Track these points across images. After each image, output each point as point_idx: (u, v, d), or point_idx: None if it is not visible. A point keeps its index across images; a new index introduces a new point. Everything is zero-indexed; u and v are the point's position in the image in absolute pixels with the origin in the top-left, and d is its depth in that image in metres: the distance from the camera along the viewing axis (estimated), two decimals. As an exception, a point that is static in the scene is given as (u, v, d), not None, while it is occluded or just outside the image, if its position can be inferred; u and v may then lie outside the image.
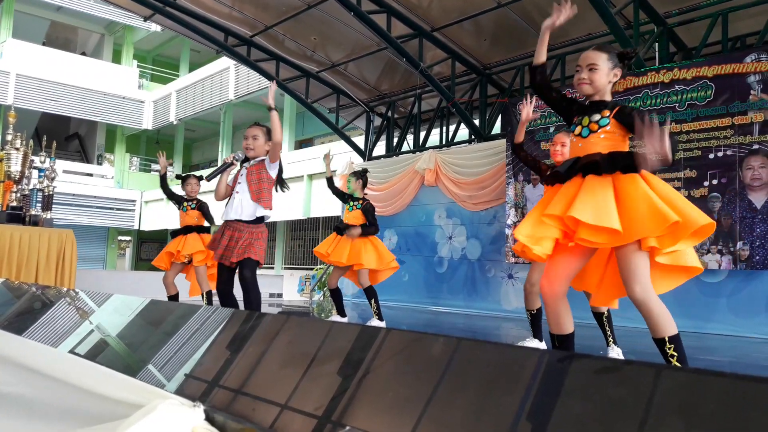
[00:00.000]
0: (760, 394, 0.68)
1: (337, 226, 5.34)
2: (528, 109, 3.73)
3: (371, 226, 5.20)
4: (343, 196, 5.46)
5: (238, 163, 3.77)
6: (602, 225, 2.24)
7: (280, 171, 3.78)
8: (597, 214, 2.26)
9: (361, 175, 5.42)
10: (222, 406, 1.30)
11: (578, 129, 2.50)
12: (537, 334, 4.08)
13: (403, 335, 1.18)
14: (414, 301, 8.48)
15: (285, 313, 1.55)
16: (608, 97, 2.53)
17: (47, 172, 5.82)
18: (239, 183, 3.69)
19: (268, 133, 3.71)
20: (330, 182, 5.53)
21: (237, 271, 3.64)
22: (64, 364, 1.24)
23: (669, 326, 2.30)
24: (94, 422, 0.92)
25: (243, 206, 3.61)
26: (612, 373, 0.82)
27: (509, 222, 7.31)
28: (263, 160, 3.69)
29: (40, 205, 5.80)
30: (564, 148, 3.78)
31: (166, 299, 5.45)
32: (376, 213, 5.34)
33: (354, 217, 5.25)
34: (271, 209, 3.72)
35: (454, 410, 0.94)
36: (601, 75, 2.48)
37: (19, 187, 5.85)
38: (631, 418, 0.74)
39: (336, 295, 5.40)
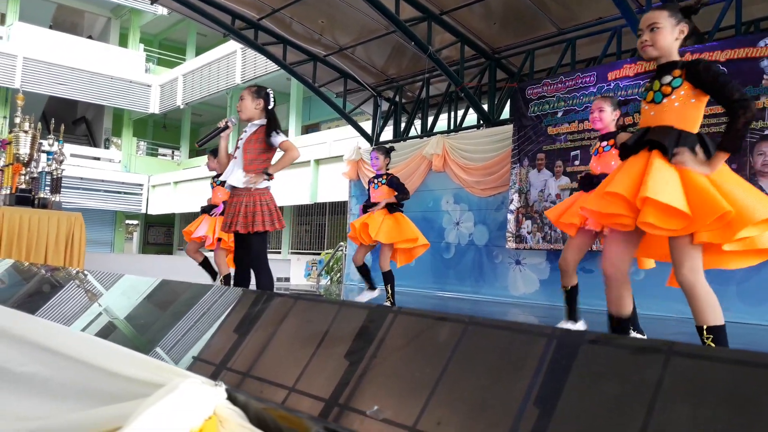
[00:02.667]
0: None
1: (366, 206, 5.33)
2: None
3: (402, 193, 5.20)
4: (368, 196, 5.45)
5: (233, 127, 3.74)
6: (677, 207, 2.13)
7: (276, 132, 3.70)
8: (670, 194, 2.15)
9: (388, 152, 5.40)
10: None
11: (650, 95, 2.36)
12: (572, 315, 3.91)
13: (412, 317, 1.17)
14: (421, 286, 8.48)
15: (294, 297, 1.55)
16: (676, 57, 2.38)
17: (56, 155, 5.83)
18: (237, 148, 3.67)
19: (256, 92, 3.68)
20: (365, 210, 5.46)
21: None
22: (79, 342, 1.24)
23: (713, 315, 2.22)
24: (113, 401, 0.92)
25: (234, 172, 3.60)
26: (625, 355, 0.81)
27: (512, 207, 7.29)
28: (262, 130, 3.63)
29: (48, 188, 5.82)
30: (602, 113, 3.65)
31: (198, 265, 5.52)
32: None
33: (381, 193, 5.25)
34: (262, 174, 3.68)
35: (463, 391, 0.93)
36: (665, 34, 2.33)
37: (28, 169, 5.86)
38: (640, 400, 0.73)
39: (364, 270, 5.41)
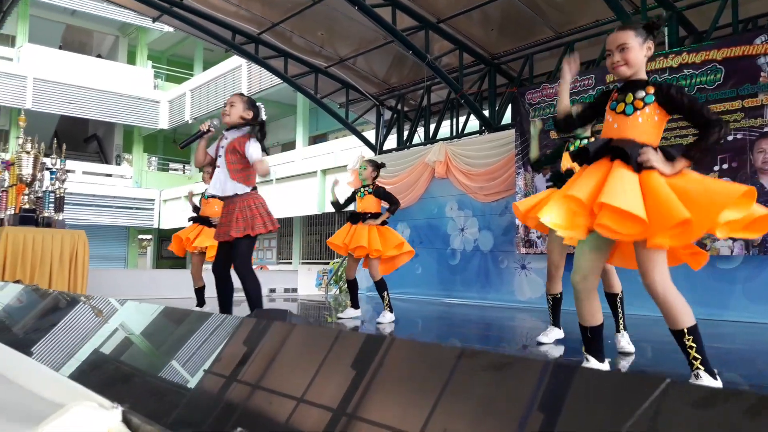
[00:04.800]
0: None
1: (352, 214, 5.32)
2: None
3: (393, 204, 5.21)
4: (351, 198, 5.46)
5: (214, 130, 3.70)
6: (632, 212, 2.16)
7: (263, 144, 3.65)
8: (626, 200, 2.20)
9: (378, 167, 5.40)
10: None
11: (620, 106, 2.42)
12: (557, 322, 4.04)
13: (407, 344, 1.19)
14: (427, 293, 8.48)
15: (291, 325, 1.57)
16: (644, 75, 2.46)
17: (58, 174, 5.91)
18: (219, 156, 3.62)
19: (248, 102, 3.66)
20: (336, 205, 5.51)
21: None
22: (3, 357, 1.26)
23: (687, 317, 2.27)
24: (23, 420, 0.94)
25: (221, 182, 3.56)
26: (620, 383, 0.80)
27: (518, 213, 7.27)
28: (246, 138, 3.57)
29: (52, 206, 5.90)
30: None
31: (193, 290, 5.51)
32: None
33: (367, 203, 5.24)
34: (252, 184, 3.63)
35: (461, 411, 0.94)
36: (635, 52, 2.40)
37: (32, 189, 5.95)
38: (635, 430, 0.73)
39: (352, 286, 5.41)
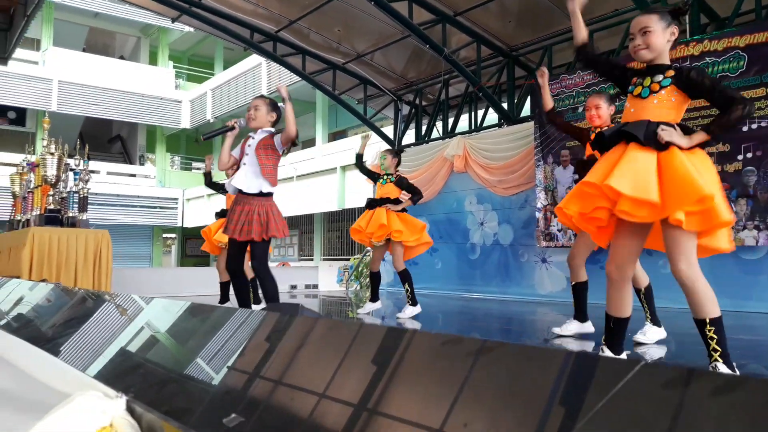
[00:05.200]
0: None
1: (370, 201, 5.31)
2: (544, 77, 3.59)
3: (416, 194, 5.18)
4: (372, 174, 5.45)
5: (238, 128, 3.78)
6: (639, 197, 2.17)
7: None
8: (636, 185, 2.19)
9: (397, 154, 5.39)
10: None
11: (637, 89, 2.42)
12: (579, 315, 3.93)
13: (427, 337, 1.19)
14: (448, 288, 8.47)
15: (316, 317, 1.60)
16: (667, 60, 2.44)
17: (82, 174, 6.03)
18: (246, 154, 3.68)
19: (271, 104, 3.74)
20: (359, 159, 5.46)
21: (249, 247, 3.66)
22: (8, 345, 1.30)
23: (712, 308, 2.25)
24: (32, 410, 0.97)
25: (248, 178, 3.62)
26: (644, 375, 0.79)
27: (539, 205, 7.23)
28: (272, 136, 3.68)
29: (76, 206, 6.02)
30: (599, 110, 3.69)
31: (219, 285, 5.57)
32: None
33: (387, 190, 5.20)
34: (275, 185, 3.71)
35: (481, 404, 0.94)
36: (657, 36, 2.38)
37: (56, 190, 6.08)
38: (661, 424, 0.72)
39: (375, 278, 5.38)
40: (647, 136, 2.26)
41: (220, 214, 5.69)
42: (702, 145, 2.30)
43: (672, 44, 2.43)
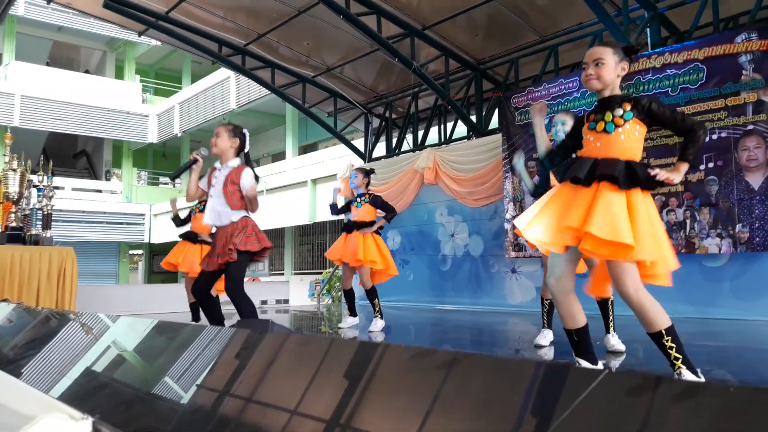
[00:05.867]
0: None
1: (347, 224, 5.32)
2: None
3: (390, 212, 5.22)
4: (347, 206, 5.46)
5: (201, 160, 3.74)
6: (616, 240, 2.25)
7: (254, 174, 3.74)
8: (612, 228, 2.27)
9: (368, 173, 5.42)
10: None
11: (600, 125, 2.48)
12: (549, 324, 4.09)
13: (400, 350, 1.19)
14: (419, 300, 8.48)
15: (287, 332, 1.59)
16: (618, 92, 2.53)
17: (45, 191, 5.89)
18: (213, 186, 3.65)
19: (233, 131, 3.69)
20: (333, 209, 5.52)
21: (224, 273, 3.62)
22: None
23: (663, 319, 2.32)
24: None
25: (219, 213, 3.60)
26: (615, 383, 0.80)
27: (508, 216, 7.30)
28: (238, 173, 3.62)
29: (40, 223, 5.88)
30: (565, 126, 3.67)
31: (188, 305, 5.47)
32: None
33: (364, 212, 5.23)
34: (252, 212, 3.71)
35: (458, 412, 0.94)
36: (608, 69, 2.48)
37: (19, 207, 5.93)
38: (626, 429, 0.73)
39: (349, 295, 5.40)
40: (624, 180, 2.36)
41: (185, 236, 5.56)
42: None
43: (621, 78, 2.54)
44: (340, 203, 5.62)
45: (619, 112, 2.44)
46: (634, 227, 2.30)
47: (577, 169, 2.47)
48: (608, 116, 2.46)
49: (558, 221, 2.44)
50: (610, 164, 2.39)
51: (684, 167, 2.42)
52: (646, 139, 2.52)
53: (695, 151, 2.43)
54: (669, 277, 2.43)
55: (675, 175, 2.38)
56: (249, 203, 3.61)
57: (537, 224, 2.50)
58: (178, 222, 5.76)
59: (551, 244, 2.48)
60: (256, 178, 3.66)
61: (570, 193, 2.49)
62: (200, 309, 5.35)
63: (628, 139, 2.43)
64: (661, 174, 2.35)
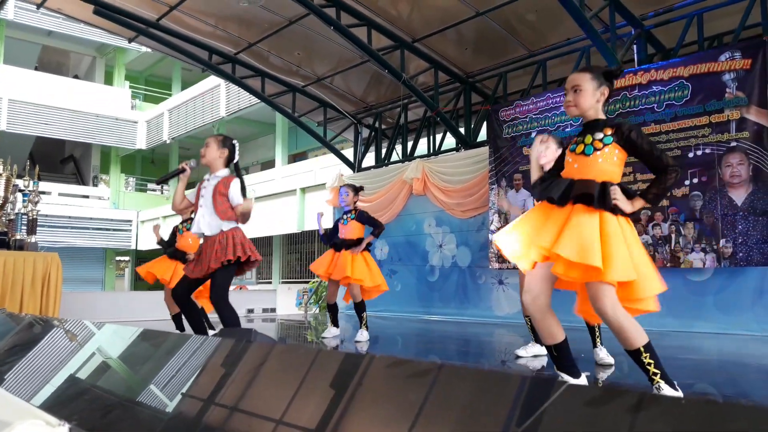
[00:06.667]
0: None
1: (335, 243, 5.32)
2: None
3: (377, 227, 5.23)
4: (335, 228, 5.45)
5: (189, 170, 3.77)
6: (584, 262, 2.27)
7: (242, 184, 3.75)
8: (581, 251, 2.29)
9: (357, 191, 5.43)
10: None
11: (580, 147, 2.50)
12: (538, 339, 4.01)
13: (386, 361, 1.20)
14: (407, 310, 8.49)
15: (272, 342, 1.59)
16: (602, 116, 2.54)
17: (31, 196, 5.85)
18: (202, 196, 3.67)
19: (223, 141, 3.72)
20: (324, 238, 5.52)
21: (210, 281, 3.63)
22: None
23: (640, 337, 2.34)
24: None
25: (208, 223, 3.61)
26: (593, 396, 0.82)
27: (492, 228, 7.35)
28: (227, 184, 3.63)
29: (25, 228, 5.83)
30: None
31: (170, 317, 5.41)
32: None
33: (351, 229, 5.24)
34: (235, 220, 3.72)
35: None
36: (586, 95, 2.49)
37: (3, 212, 5.88)
38: None
39: (333, 309, 5.42)
40: (598, 199, 2.38)
41: (172, 255, 5.48)
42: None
43: (603, 103, 2.54)
44: (328, 223, 5.62)
45: (599, 135, 2.46)
46: (604, 248, 2.30)
47: (552, 189, 2.50)
48: (588, 139, 2.48)
49: (530, 238, 2.47)
50: (585, 185, 2.41)
51: (639, 204, 2.41)
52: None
53: (659, 193, 2.43)
54: (656, 302, 2.43)
55: (626, 205, 2.38)
56: (242, 217, 3.62)
57: (510, 237, 2.54)
58: (165, 245, 5.69)
59: (519, 259, 2.51)
60: (244, 189, 3.66)
61: (546, 211, 2.53)
62: (182, 318, 5.33)
63: (606, 162, 2.44)
64: (616, 196, 2.37)
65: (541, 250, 2.41)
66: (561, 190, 2.47)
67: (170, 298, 5.26)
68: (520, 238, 2.51)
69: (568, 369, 2.53)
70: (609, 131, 2.47)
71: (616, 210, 2.39)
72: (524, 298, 2.56)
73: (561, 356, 2.53)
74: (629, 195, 2.43)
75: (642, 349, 2.33)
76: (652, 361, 2.32)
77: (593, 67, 2.59)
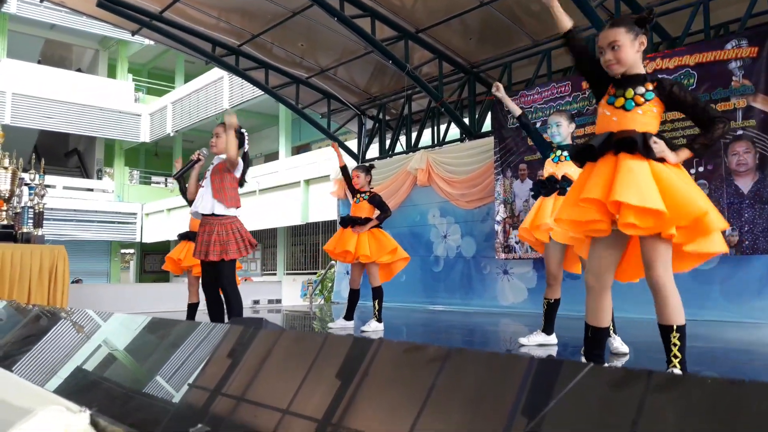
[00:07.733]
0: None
1: (343, 219, 5.35)
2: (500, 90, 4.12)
3: (383, 212, 5.25)
4: (351, 188, 5.47)
5: (204, 159, 3.88)
6: (649, 207, 2.17)
7: (244, 172, 3.83)
8: (641, 195, 2.19)
9: (368, 170, 5.45)
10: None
11: (620, 101, 2.40)
12: (548, 328, 3.95)
13: (393, 346, 1.20)
14: (412, 301, 8.51)
15: (281, 329, 1.60)
16: (642, 69, 2.45)
17: (37, 189, 5.87)
18: (205, 178, 3.80)
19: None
20: (344, 170, 5.53)
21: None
22: None
23: (679, 315, 2.30)
24: None
25: (203, 200, 3.72)
26: (607, 379, 0.82)
27: (498, 218, 7.34)
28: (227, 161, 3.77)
29: (31, 222, 5.86)
30: (559, 127, 3.82)
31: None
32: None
33: (361, 208, 5.28)
34: (236, 207, 3.78)
35: (450, 409, 0.95)
36: (626, 49, 2.38)
37: (10, 205, 5.91)
38: (624, 425, 0.74)
39: (353, 296, 5.34)
40: (642, 147, 2.28)
41: (183, 236, 5.51)
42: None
43: (642, 53, 2.44)
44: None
45: (641, 90, 2.38)
46: (663, 195, 2.20)
47: (592, 141, 2.41)
48: (629, 93, 2.39)
49: (578, 197, 2.38)
50: (628, 133, 2.32)
51: (684, 154, 2.32)
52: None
53: (706, 143, 2.34)
54: (723, 242, 2.34)
55: (671, 155, 2.29)
56: (230, 164, 3.71)
57: (565, 209, 2.44)
58: (182, 187, 5.56)
59: (577, 216, 2.39)
60: (246, 165, 3.78)
61: (588, 171, 2.43)
62: (196, 310, 5.36)
63: (646, 116, 2.36)
64: (658, 147, 2.28)
65: (594, 205, 2.29)
66: (601, 141, 2.38)
67: (192, 285, 5.23)
68: (572, 202, 2.40)
69: (596, 358, 2.49)
70: (650, 86, 2.39)
71: (643, 152, 2.29)
72: (587, 278, 2.46)
73: (595, 341, 2.48)
74: (672, 147, 2.34)
75: (675, 327, 2.29)
76: (678, 343, 2.30)
77: (624, 18, 2.48)
